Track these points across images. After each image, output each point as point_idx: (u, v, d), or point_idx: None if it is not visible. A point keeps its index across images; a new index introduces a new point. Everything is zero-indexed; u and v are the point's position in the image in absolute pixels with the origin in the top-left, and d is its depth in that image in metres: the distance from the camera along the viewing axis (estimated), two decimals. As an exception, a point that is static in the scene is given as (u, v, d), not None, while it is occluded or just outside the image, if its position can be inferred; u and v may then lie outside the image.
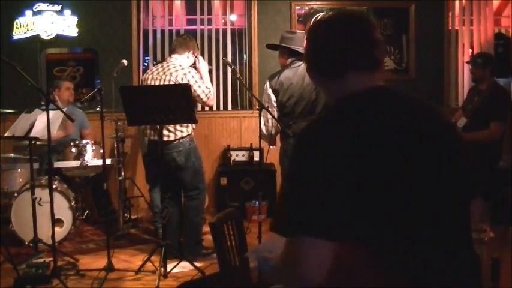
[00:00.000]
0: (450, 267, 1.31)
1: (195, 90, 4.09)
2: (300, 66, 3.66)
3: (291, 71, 3.66)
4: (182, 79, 4.10)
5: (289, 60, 3.73)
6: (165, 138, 4.10)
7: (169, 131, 4.12)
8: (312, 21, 1.39)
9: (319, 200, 1.23)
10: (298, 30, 3.91)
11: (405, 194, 1.27)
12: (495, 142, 4.24)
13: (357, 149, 1.25)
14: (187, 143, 4.20)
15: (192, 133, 4.29)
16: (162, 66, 4.29)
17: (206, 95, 4.16)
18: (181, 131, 4.16)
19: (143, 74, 6.03)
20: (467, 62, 4.53)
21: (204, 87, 4.16)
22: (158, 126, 3.96)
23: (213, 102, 4.28)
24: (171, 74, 4.15)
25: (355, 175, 1.23)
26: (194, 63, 4.35)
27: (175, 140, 4.16)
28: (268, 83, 3.75)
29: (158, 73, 4.23)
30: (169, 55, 4.43)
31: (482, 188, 4.16)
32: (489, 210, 2.60)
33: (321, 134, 1.31)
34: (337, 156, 1.24)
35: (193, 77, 4.13)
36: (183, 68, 4.18)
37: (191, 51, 4.32)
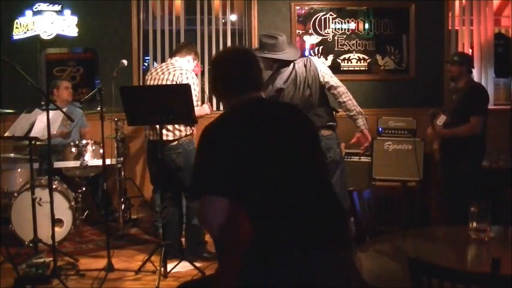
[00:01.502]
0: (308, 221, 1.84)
1: None
2: (288, 70, 3.66)
3: (283, 76, 3.66)
4: (178, 77, 4.12)
5: (275, 65, 3.72)
6: (164, 138, 4.10)
7: (167, 130, 4.12)
8: (214, 57, 2.24)
9: (218, 171, 1.83)
10: (278, 35, 3.80)
11: (271, 167, 1.85)
12: (478, 139, 4.28)
13: (236, 138, 1.87)
14: (187, 144, 4.19)
15: (193, 134, 4.29)
16: (161, 67, 4.30)
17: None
18: (180, 130, 4.16)
19: (143, 75, 6.07)
20: (446, 61, 4.58)
21: (195, 94, 4.10)
22: (158, 126, 3.97)
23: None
24: (169, 73, 4.17)
25: (237, 155, 1.83)
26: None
27: (174, 140, 4.16)
28: (262, 93, 3.71)
29: (157, 73, 4.25)
30: (170, 57, 4.42)
31: (468, 184, 4.23)
32: (489, 210, 2.60)
33: (218, 127, 1.94)
34: (226, 143, 1.86)
35: (187, 78, 4.12)
36: (181, 68, 4.19)
37: (192, 57, 4.34)
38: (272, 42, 3.70)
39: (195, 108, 3.98)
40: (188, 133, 4.22)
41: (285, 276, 1.78)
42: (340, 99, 3.69)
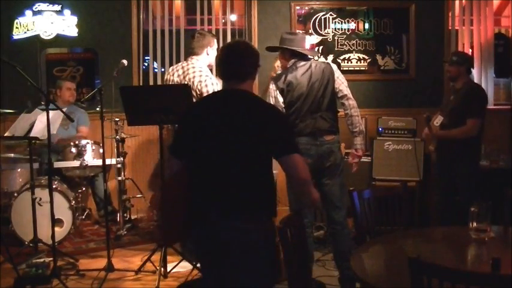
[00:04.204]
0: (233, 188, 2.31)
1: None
2: (305, 66, 3.64)
3: (297, 72, 3.62)
4: (197, 86, 4.09)
5: (292, 61, 3.70)
6: None
7: None
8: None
9: (176, 139, 2.50)
10: (298, 31, 3.85)
11: (210, 143, 2.32)
12: (474, 140, 4.26)
13: (191, 116, 2.44)
14: None
15: None
16: (182, 67, 4.27)
17: None
18: None
19: (143, 75, 6.08)
20: (444, 61, 4.51)
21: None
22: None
23: None
24: (189, 79, 4.15)
25: (185, 132, 2.42)
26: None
27: None
28: (273, 85, 3.67)
29: (179, 76, 4.24)
30: (189, 56, 4.35)
31: (464, 184, 4.22)
32: (489, 210, 2.60)
33: (187, 108, 2.73)
34: (185, 119, 2.46)
35: (206, 86, 4.09)
36: (200, 74, 4.14)
37: (208, 46, 4.29)
38: (291, 37, 3.72)
39: None
40: None
41: (198, 236, 2.34)
42: (349, 112, 3.68)
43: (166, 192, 2.55)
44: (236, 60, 2.41)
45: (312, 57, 3.72)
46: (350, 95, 3.69)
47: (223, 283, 2.31)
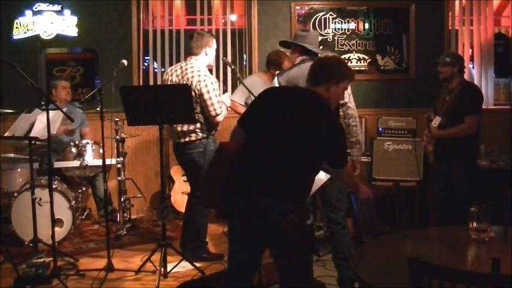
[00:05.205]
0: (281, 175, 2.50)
1: (205, 100, 4.05)
2: (307, 64, 3.61)
3: (298, 69, 3.59)
4: (196, 86, 4.06)
5: (300, 58, 3.67)
6: (187, 139, 4.14)
7: (190, 131, 4.13)
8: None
9: (246, 112, 2.77)
10: (312, 30, 3.81)
11: (272, 128, 2.56)
12: (472, 138, 4.30)
13: (262, 101, 2.69)
14: (209, 143, 4.17)
15: (214, 134, 4.28)
16: (181, 68, 4.23)
17: (214, 110, 4.06)
18: (202, 131, 4.15)
19: (143, 75, 6.08)
20: (437, 62, 4.48)
21: (216, 100, 4.06)
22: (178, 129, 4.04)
23: (220, 119, 4.16)
24: (187, 79, 4.11)
25: (257, 109, 2.67)
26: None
27: (196, 140, 4.16)
28: (276, 79, 3.68)
29: (177, 76, 4.20)
30: (188, 56, 4.30)
31: (462, 183, 4.25)
32: (489, 210, 2.60)
33: (268, 89, 2.90)
34: (261, 98, 2.71)
35: (206, 86, 4.05)
36: (199, 74, 4.10)
37: (207, 46, 4.24)
38: (304, 34, 3.71)
39: (223, 113, 4.12)
40: (211, 134, 4.22)
41: (239, 206, 2.53)
42: (346, 121, 3.62)
43: (219, 154, 2.70)
44: (313, 69, 2.80)
45: (316, 53, 3.69)
46: (350, 104, 3.60)
47: (258, 256, 2.63)
